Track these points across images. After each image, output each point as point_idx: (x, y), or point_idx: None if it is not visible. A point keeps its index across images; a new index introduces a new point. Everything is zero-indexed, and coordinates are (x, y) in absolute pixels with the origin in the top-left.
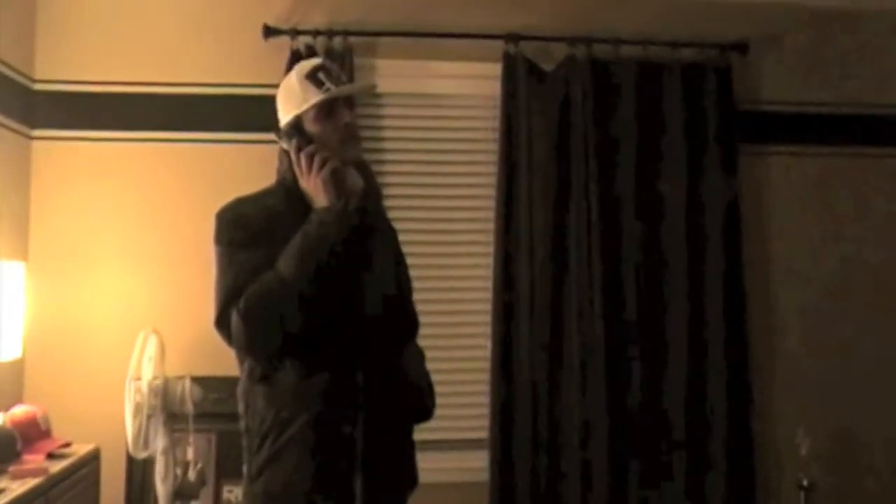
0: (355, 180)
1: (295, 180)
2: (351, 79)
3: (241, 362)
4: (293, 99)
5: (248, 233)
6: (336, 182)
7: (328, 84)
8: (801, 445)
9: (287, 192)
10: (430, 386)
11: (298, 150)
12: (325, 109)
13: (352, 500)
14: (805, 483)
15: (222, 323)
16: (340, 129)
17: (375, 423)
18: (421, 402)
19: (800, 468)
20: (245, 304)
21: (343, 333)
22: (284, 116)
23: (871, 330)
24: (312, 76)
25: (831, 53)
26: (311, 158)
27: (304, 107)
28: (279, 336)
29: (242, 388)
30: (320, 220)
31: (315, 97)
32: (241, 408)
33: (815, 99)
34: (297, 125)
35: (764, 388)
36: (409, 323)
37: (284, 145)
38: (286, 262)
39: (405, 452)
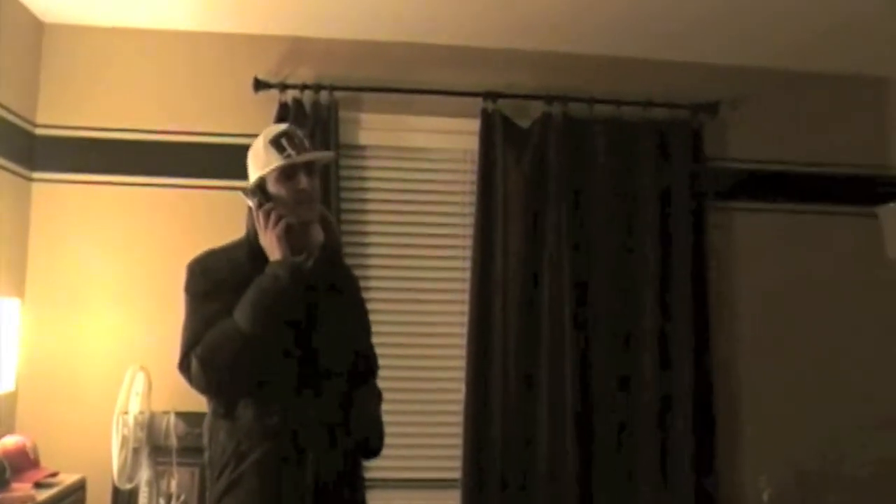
0: (316, 234)
1: (257, 235)
2: (327, 134)
3: (209, 400)
4: (258, 161)
5: (213, 285)
6: (289, 238)
7: (289, 151)
8: (764, 492)
9: (251, 246)
10: (378, 425)
11: (259, 206)
12: (286, 173)
13: None
14: None
15: (184, 367)
16: (297, 192)
17: (325, 459)
18: (367, 441)
19: None
20: (202, 351)
21: (295, 376)
22: (251, 175)
23: (833, 377)
24: (276, 142)
25: (798, 113)
26: (268, 215)
27: (266, 170)
28: (234, 380)
29: (207, 422)
30: (273, 273)
31: (276, 162)
32: (205, 440)
33: (781, 157)
34: (260, 185)
35: (729, 438)
36: (360, 368)
37: (248, 202)
38: (241, 312)
39: (354, 486)
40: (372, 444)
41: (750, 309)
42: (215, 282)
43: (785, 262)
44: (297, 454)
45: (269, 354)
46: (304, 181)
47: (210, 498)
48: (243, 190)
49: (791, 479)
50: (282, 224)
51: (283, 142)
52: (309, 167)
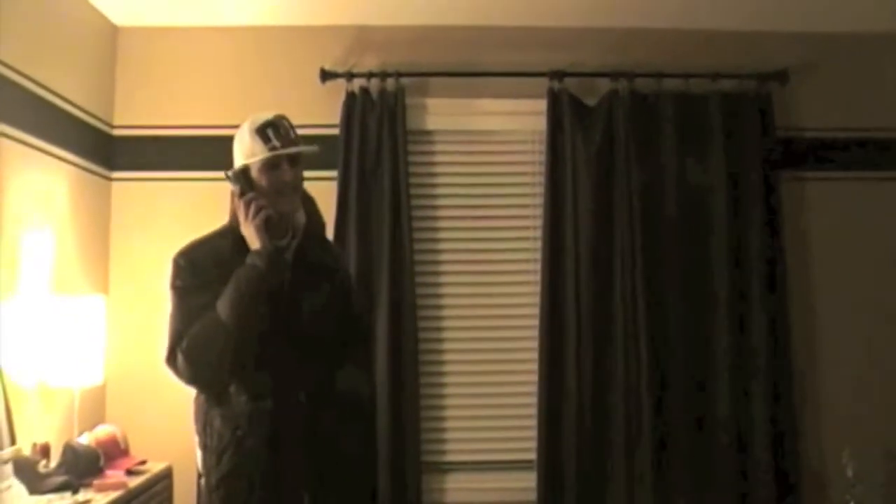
0: (299, 216)
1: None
2: (394, 121)
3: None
4: (243, 148)
5: (198, 278)
6: (269, 227)
7: (275, 142)
8: (848, 467)
9: (234, 234)
10: (364, 388)
11: (241, 195)
12: (270, 163)
13: None
14: None
15: (171, 361)
16: (279, 183)
17: (320, 437)
18: (352, 406)
19: (846, 490)
20: (187, 346)
21: (281, 356)
22: (236, 160)
23: None
24: (262, 131)
25: (871, 78)
26: (248, 206)
27: (251, 160)
28: (218, 371)
29: (199, 409)
30: (252, 263)
31: (260, 153)
32: (197, 428)
33: (853, 124)
34: (244, 172)
35: (810, 409)
36: (345, 340)
37: (232, 187)
38: (223, 305)
39: (350, 460)
40: (352, 406)
41: (826, 280)
42: (202, 275)
43: (860, 232)
44: (291, 434)
45: (253, 340)
46: (287, 173)
47: (209, 483)
48: (226, 173)
49: (877, 453)
50: (262, 215)
51: (269, 132)
52: (293, 158)
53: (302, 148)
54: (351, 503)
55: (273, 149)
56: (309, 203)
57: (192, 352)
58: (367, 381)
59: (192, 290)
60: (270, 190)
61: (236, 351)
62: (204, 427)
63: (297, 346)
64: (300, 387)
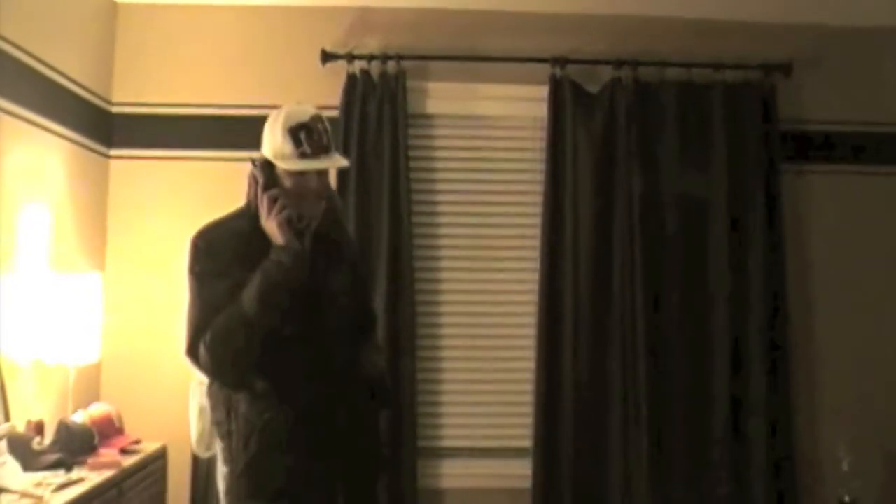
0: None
1: (257, 205)
2: (395, 105)
3: None
4: (273, 145)
5: (217, 262)
6: (291, 226)
7: (306, 147)
8: (843, 461)
9: (252, 216)
10: (384, 373)
11: (265, 188)
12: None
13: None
14: (847, 499)
15: (192, 353)
16: (304, 190)
17: (347, 417)
18: (378, 386)
19: (841, 484)
20: (210, 339)
21: (305, 341)
22: (264, 150)
23: None
24: (294, 133)
25: (874, 72)
26: (273, 202)
27: (279, 162)
28: (241, 366)
29: (221, 395)
30: (279, 261)
31: (290, 160)
32: (220, 413)
33: (858, 118)
34: (271, 164)
35: (806, 403)
36: (362, 324)
37: (255, 172)
38: (248, 300)
39: (375, 438)
40: (381, 390)
41: (826, 272)
42: (220, 258)
43: (862, 224)
44: (318, 416)
45: (277, 332)
46: (314, 181)
47: (234, 469)
48: (252, 160)
49: (873, 446)
50: (284, 214)
51: (302, 136)
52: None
53: (331, 164)
54: (374, 483)
55: (303, 155)
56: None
57: (215, 346)
58: (381, 357)
59: (212, 276)
60: (296, 192)
61: (260, 347)
62: (227, 413)
63: (322, 326)
64: (326, 368)
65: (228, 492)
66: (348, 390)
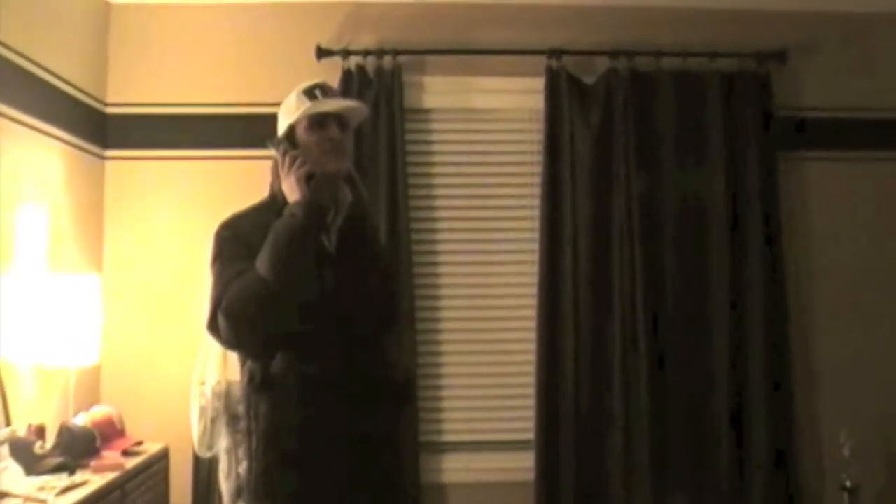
0: (345, 193)
1: (284, 195)
2: (391, 99)
3: (242, 365)
4: (288, 111)
5: (244, 247)
6: (312, 186)
7: (321, 98)
8: (845, 447)
9: (277, 207)
10: (407, 370)
11: (284, 153)
12: (316, 121)
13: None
14: (848, 484)
15: (212, 326)
16: (325, 142)
17: (370, 413)
18: (403, 386)
19: (843, 469)
20: (227, 303)
21: (329, 338)
22: (281, 127)
23: None
24: (310, 92)
25: (869, 59)
26: (293, 160)
27: (296, 115)
28: (261, 330)
29: (244, 392)
30: (290, 212)
31: (310, 108)
32: (241, 409)
33: (854, 104)
34: (289, 135)
35: (807, 390)
36: (386, 320)
37: (273, 152)
38: (261, 259)
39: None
40: (404, 390)
41: (824, 259)
42: (248, 245)
43: (860, 211)
44: (340, 419)
45: (295, 305)
46: (334, 130)
47: (253, 468)
48: (269, 140)
49: (873, 432)
50: (304, 168)
51: (317, 92)
52: (342, 121)
53: (350, 103)
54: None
55: (321, 102)
56: (352, 181)
57: (231, 309)
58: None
59: (234, 258)
60: (317, 149)
61: (279, 310)
62: (248, 410)
63: (346, 323)
64: (350, 368)
65: (248, 490)
66: (371, 391)
